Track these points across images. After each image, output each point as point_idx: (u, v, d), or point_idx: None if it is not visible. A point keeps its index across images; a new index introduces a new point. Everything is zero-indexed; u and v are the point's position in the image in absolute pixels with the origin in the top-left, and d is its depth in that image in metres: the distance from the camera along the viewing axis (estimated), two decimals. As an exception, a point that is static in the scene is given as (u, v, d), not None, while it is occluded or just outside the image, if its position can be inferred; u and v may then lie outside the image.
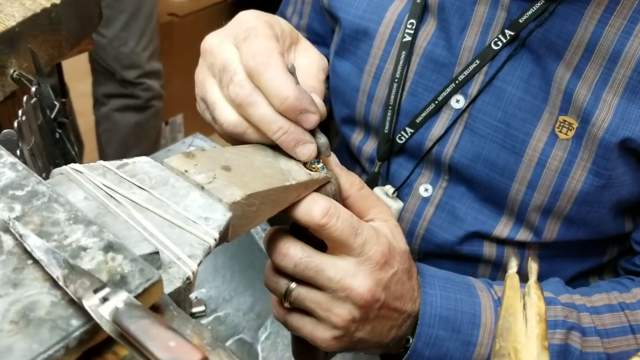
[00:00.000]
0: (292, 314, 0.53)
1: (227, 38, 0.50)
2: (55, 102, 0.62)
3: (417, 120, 0.68)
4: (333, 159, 0.52)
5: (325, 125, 0.89)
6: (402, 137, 0.69)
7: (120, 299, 0.29)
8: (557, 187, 0.62)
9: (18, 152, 0.54)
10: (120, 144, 1.97)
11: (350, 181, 0.52)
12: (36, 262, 0.33)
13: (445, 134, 0.67)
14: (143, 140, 2.01)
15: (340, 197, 0.51)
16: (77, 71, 1.87)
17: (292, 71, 0.48)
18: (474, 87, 0.65)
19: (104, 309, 0.29)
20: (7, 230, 0.35)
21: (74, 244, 0.34)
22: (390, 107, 0.69)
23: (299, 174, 0.48)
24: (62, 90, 1.12)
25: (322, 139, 0.49)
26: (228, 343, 0.73)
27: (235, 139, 0.51)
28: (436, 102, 0.66)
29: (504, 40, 0.62)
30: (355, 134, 0.75)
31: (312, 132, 0.49)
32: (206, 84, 0.51)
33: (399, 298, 0.52)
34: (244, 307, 0.77)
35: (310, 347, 0.55)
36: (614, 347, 0.59)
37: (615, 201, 0.63)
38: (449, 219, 0.69)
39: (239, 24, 0.51)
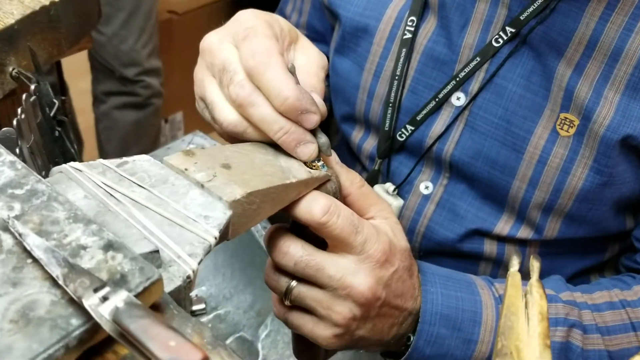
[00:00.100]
0: (293, 312, 0.53)
1: (226, 37, 0.50)
2: (55, 100, 0.62)
3: (418, 118, 0.67)
4: (333, 157, 0.52)
5: (326, 123, 0.89)
6: (403, 135, 0.69)
7: (120, 298, 0.29)
8: (558, 184, 0.62)
9: (17, 151, 0.53)
10: (120, 142, 1.96)
11: (350, 179, 0.52)
12: (36, 261, 0.33)
13: (445, 132, 0.66)
14: (143, 138, 2.01)
15: (340, 195, 0.51)
16: (77, 69, 1.87)
17: (292, 71, 0.48)
18: (474, 85, 0.64)
19: (104, 308, 0.29)
20: (6, 229, 0.35)
21: (74, 242, 0.34)
22: (390, 105, 0.68)
23: (300, 172, 0.48)
24: (61, 88, 1.12)
25: (323, 139, 0.49)
26: (228, 341, 0.73)
27: (234, 138, 0.51)
28: (437, 99, 0.66)
29: (505, 38, 0.62)
30: (355, 132, 0.75)
31: (313, 132, 0.49)
32: (205, 83, 0.51)
33: (400, 296, 0.52)
34: (244, 305, 0.77)
35: (311, 345, 0.55)
36: (615, 345, 0.59)
37: (617, 199, 0.63)
38: (449, 217, 0.69)
39: (238, 23, 0.50)
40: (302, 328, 0.52)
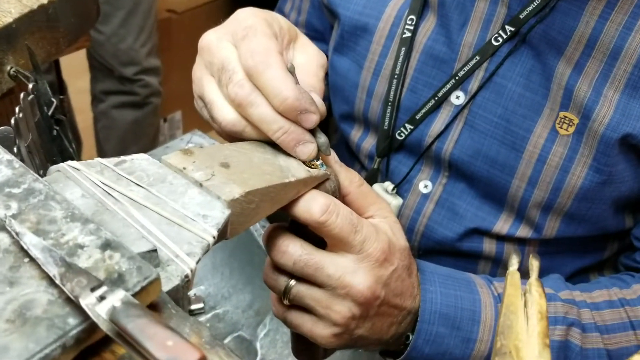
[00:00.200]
0: (292, 311, 0.53)
1: (225, 36, 0.50)
2: (53, 99, 0.62)
3: (417, 117, 0.67)
4: (332, 156, 0.51)
5: (325, 122, 0.89)
6: (402, 134, 0.69)
7: (117, 297, 0.29)
8: (557, 183, 0.62)
9: (15, 150, 0.53)
10: (118, 141, 1.96)
11: (349, 178, 0.52)
12: (33, 260, 0.33)
13: (445, 130, 0.66)
14: (141, 137, 2.00)
15: (339, 194, 0.51)
16: (75, 68, 1.87)
17: (291, 70, 0.47)
18: (474, 83, 0.64)
19: (101, 307, 0.29)
20: (3, 228, 0.35)
21: (71, 242, 0.34)
22: (389, 104, 0.68)
23: (298, 171, 0.48)
24: (60, 87, 1.12)
25: (322, 138, 0.49)
26: (227, 340, 0.73)
27: (233, 137, 0.51)
28: (436, 98, 0.66)
29: (504, 36, 0.62)
30: (354, 131, 0.75)
31: (312, 131, 0.48)
32: (204, 82, 0.50)
33: (399, 295, 0.52)
34: (243, 304, 0.77)
35: (310, 344, 0.54)
36: (614, 343, 0.59)
37: (616, 197, 0.63)
38: (448, 216, 0.69)
39: (237, 21, 0.50)
40: (301, 327, 0.52)
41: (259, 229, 0.81)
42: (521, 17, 0.61)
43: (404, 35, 0.67)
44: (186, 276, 0.37)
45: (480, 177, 0.66)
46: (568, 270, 0.71)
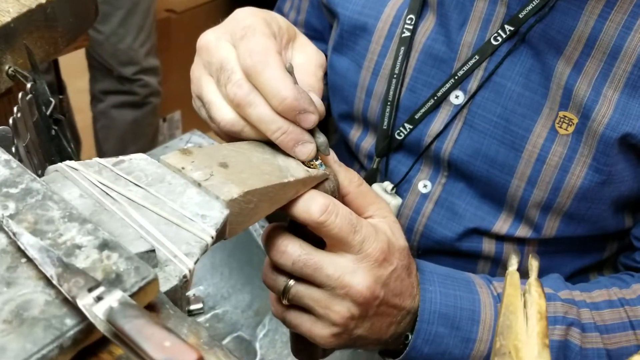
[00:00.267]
0: (291, 311, 0.52)
1: (223, 35, 0.50)
2: (51, 99, 0.61)
3: (416, 116, 0.67)
4: (332, 156, 0.51)
5: (324, 122, 0.89)
6: (401, 133, 0.69)
7: (114, 298, 0.29)
8: (556, 183, 0.62)
9: (13, 149, 0.53)
10: (117, 141, 1.96)
11: (349, 178, 0.52)
12: (30, 260, 0.32)
13: (444, 130, 0.66)
14: (141, 137, 2.00)
15: (339, 194, 0.51)
16: (75, 68, 1.86)
17: (290, 70, 0.47)
18: (473, 83, 0.64)
19: (98, 308, 0.29)
20: (0, 228, 0.34)
21: (69, 242, 0.34)
22: (389, 103, 0.68)
23: (297, 171, 0.47)
24: (59, 87, 1.11)
25: (321, 138, 0.49)
26: (226, 340, 0.73)
27: (232, 137, 0.50)
28: (435, 97, 0.66)
29: (504, 36, 0.62)
30: (353, 130, 0.75)
31: (311, 131, 0.48)
32: (202, 81, 0.50)
33: (398, 295, 0.52)
34: (242, 304, 0.77)
35: (309, 344, 0.54)
36: (614, 343, 0.59)
37: (615, 197, 0.62)
38: (447, 215, 0.69)
39: (236, 21, 0.50)
40: (299, 327, 0.52)
41: (258, 229, 0.81)
42: (520, 16, 0.61)
43: (403, 35, 0.67)
44: (184, 276, 0.36)
45: (479, 176, 0.66)
46: (567, 270, 0.71)
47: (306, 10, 0.81)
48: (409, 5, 0.67)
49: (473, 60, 0.63)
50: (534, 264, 0.38)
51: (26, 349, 0.29)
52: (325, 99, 0.80)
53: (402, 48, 0.67)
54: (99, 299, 0.29)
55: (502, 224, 0.67)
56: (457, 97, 0.65)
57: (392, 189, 0.71)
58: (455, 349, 0.55)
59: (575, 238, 0.67)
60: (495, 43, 0.62)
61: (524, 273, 0.38)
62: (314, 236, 0.49)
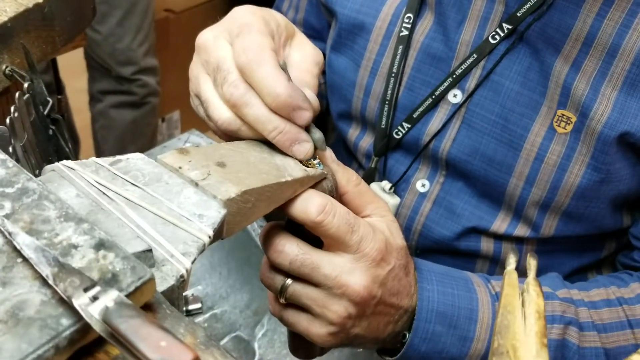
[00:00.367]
0: (288, 310, 0.52)
1: (222, 34, 0.50)
2: (49, 99, 0.61)
3: (414, 115, 0.67)
4: (330, 155, 0.51)
5: (322, 121, 0.89)
6: (399, 132, 0.68)
7: (110, 297, 0.29)
8: (555, 182, 0.62)
9: (10, 149, 0.53)
10: (116, 141, 1.96)
11: (347, 177, 0.52)
12: (26, 260, 0.32)
13: (442, 129, 0.66)
14: (139, 137, 2.00)
15: (336, 193, 0.51)
16: (73, 67, 1.86)
17: (283, 67, 0.47)
18: (471, 82, 0.64)
19: (94, 308, 0.28)
20: (-4, 228, 0.34)
21: (65, 241, 0.34)
22: (387, 102, 0.68)
23: (295, 170, 0.47)
24: (57, 87, 1.11)
25: (317, 134, 0.49)
26: (225, 340, 0.73)
27: (229, 136, 0.50)
28: (433, 96, 0.66)
29: (502, 34, 0.62)
30: (351, 130, 0.75)
31: (307, 128, 0.48)
32: (200, 80, 0.50)
33: (396, 294, 0.52)
34: (240, 304, 0.76)
35: (306, 342, 0.54)
36: (612, 342, 0.59)
37: (614, 196, 0.62)
38: (446, 215, 0.69)
39: (234, 19, 0.50)
40: (297, 326, 0.52)
41: (256, 229, 0.81)
42: (518, 14, 0.60)
43: (401, 34, 0.67)
44: (181, 276, 0.36)
45: (477, 175, 0.66)
46: (566, 269, 0.70)
47: (305, 9, 0.81)
48: (407, 4, 0.67)
49: (471, 59, 0.63)
50: (532, 263, 0.38)
51: (22, 349, 0.28)
52: (323, 97, 0.80)
53: (401, 47, 0.67)
54: (94, 298, 0.29)
55: (501, 223, 0.67)
56: (455, 96, 0.65)
57: (390, 188, 0.70)
58: (453, 348, 0.55)
59: (574, 237, 0.67)
60: (493, 42, 0.62)
61: (522, 272, 0.38)
62: (312, 235, 0.49)
